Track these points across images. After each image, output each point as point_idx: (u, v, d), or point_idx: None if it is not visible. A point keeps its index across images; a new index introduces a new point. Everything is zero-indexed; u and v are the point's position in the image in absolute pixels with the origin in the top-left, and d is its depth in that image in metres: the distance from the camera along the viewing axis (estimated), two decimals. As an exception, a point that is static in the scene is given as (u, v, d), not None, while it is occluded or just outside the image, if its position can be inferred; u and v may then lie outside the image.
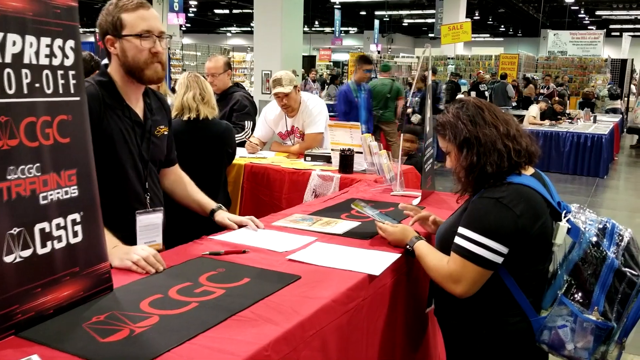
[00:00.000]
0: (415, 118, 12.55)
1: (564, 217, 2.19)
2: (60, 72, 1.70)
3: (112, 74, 2.48)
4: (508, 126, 2.23)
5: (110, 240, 2.16)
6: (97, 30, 2.47)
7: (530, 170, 2.25)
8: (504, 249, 2.08)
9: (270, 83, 4.99)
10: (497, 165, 2.15)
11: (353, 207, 2.77)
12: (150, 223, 2.50)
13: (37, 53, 1.62)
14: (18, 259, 1.55)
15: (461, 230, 2.15)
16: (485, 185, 2.18)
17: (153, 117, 2.61)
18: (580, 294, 2.12)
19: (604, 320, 2.07)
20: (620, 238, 2.17)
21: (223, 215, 2.78)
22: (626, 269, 2.10)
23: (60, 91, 1.70)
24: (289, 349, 1.66)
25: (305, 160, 4.75)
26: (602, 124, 13.93)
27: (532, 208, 2.11)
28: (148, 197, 2.56)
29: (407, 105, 13.11)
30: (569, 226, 2.17)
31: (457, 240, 2.15)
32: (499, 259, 2.09)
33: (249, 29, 38.36)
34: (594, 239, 2.14)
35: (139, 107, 2.55)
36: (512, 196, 2.10)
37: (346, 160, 4.26)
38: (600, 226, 2.20)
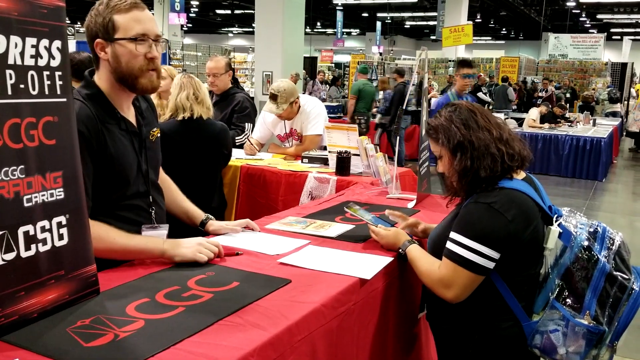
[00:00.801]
0: (379, 119, 12.65)
1: (555, 221, 2.18)
2: (46, 72, 1.67)
3: (100, 82, 2.28)
4: (501, 130, 2.22)
5: (149, 239, 2.21)
6: (85, 32, 2.27)
7: (521, 175, 2.23)
8: (495, 254, 2.07)
9: (268, 92, 4.96)
10: (490, 169, 2.14)
11: (347, 210, 2.76)
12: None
13: (22, 53, 1.60)
14: (1, 262, 1.53)
15: (453, 235, 2.14)
16: (477, 189, 2.17)
17: (145, 122, 2.45)
18: (571, 298, 2.11)
19: (596, 325, 2.06)
20: (612, 242, 2.16)
21: (219, 225, 2.67)
22: (617, 273, 2.09)
23: (46, 92, 1.67)
24: (276, 354, 1.64)
25: (302, 162, 4.74)
26: (602, 128, 13.94)
27: (524, 213, 2.10)
28: (153, 211, 2.43)
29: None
30: (561, 230, 2.16)
31: (449, 245, 2.14)
32: (490, 264, 2.08)
33: (251, 29, 38.37)
34: (586, 243, 2.13)
35: (131, 115, 2.38)
36: (503, 201, 2.09)
37: (343, 162, 4.24)
38: (591, 230, 2.19)
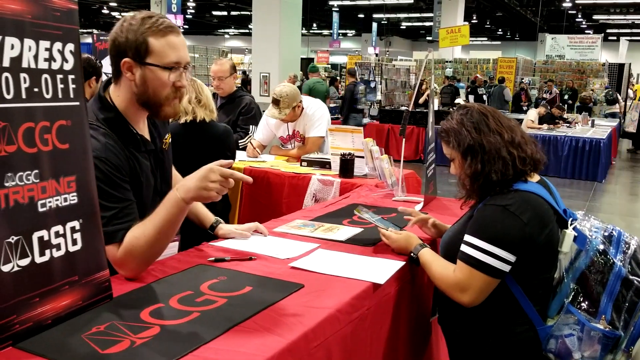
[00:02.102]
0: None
1: (570, 224, 2.16)
2: (59, 76, 1.65)
3: (118, 100, 2.15)
4: (513, 133, 2.20)
5: (164, 204, 2.00)
6: (109, 43, 2.12)
7: (536, 177, 2.21)
8: (511, 257, 2.05)
9: (270, 97, 4.94)
10: (501, 173, 2.13)
11: (355, 213, 2.73)
12: (165, 253, 2.24)
13: (36, 57, 1.57)
14: (16, 268, 1.51)
15: (467, 238, 2.12)
16: (491, 192, 2.15)
17: (157, 131, 2.34)
18: (587, 303, 2.10)
19: (612, 329, 2.04)
20: (627, 246, 2.15)
21: (229, 228, 2.63)
22: (633, 277, 2.08)
23: (60, 96, 1.65)
24: (293, 361, 1.62)
25: (301, 165, 4.71)
26: (600, 129, 13.93)
27: (539, 216, 2.08)
28: None
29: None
30: (576, 234, 2.14)
31: (464, 248, 2.12)
32: (506, 267, 2.06)
33: (247, 31, 38.45)
34: (601, 246, 2.12)
35: (145, 130, 2.27)
36: (519, 204, 2.07)
37: (346, 164, 4.22)
38: (607, 234, 2.18)
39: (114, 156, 2.05)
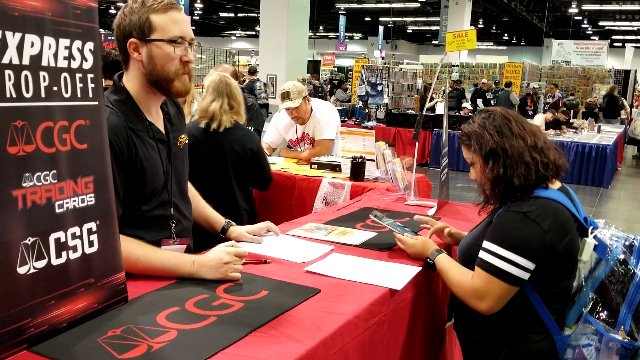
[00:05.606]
0: None
1: (591, 233, 2.13)
2: (78, 75, 1.62)
3: (130, 85, 2.17)
4: (535, 138, 2.17)
5: (175, 260, 2.05)
6: (114, 30, 2.14)
7: (557, 184, 2.18)
8: (530, 265, 2.02)
9: (278, 96, 4.90)
10: (524, 177, 2.09)
11: (371, 216, 2.70)
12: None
13: (55, 55, 1.55)
14: (32, 270, 1.48)
15: (486, 244, 2.08)
16: (511, 198, 2.12)
17: (173, 127, 2.32)
18: (605, 313, 2.06)
19: (630, 340, 2.00)
20: (648, 256, 2.11)
21: (240, 231, 2.60)
22: None
23: (79, 95, 1.62)
24: (313, 368, 1.59)
25: (311, 167, 4.68)
26: (606, 134, 13.88)
27: (560, 223, 2.05)
28: (173, 224, 2.28)
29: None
30: (596, 242, 2.10)
31: (482, 255, 2.08)
32: (525, 275, 2.03)
33: (254, 32, 38.45)
34: (622, 256, 2.08)
35: (159, 121, 2.27)
36: (539, 211, 2.04)
37: (357, 167, 4.19)
38: (627, 243, 2.14)
39: (112, 134, 1.99)
